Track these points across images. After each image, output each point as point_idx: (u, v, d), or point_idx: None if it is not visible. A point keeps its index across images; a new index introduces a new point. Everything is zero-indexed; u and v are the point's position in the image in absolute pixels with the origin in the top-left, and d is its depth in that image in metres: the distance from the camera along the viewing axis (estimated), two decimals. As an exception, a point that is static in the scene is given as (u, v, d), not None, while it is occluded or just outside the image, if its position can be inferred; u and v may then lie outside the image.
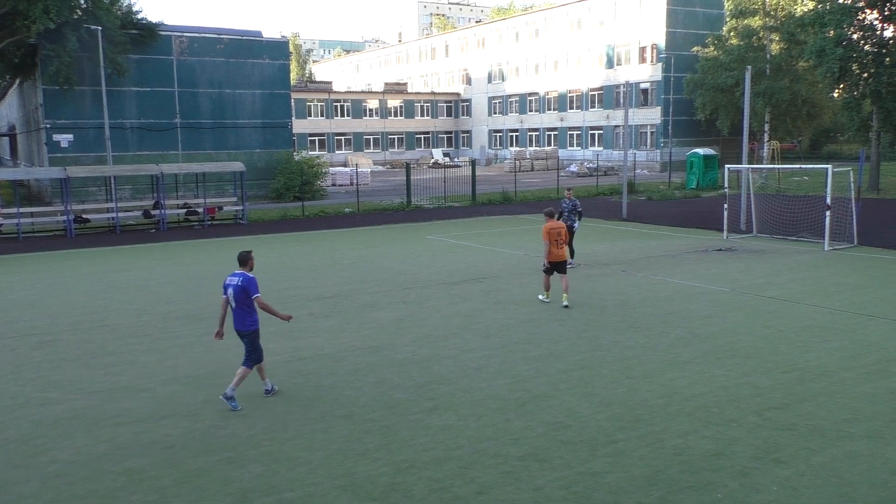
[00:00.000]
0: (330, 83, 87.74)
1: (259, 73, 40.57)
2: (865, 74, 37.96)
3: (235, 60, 39.84)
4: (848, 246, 20.30)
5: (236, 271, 9.22)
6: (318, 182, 41.71)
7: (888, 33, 38.59)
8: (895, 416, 8.24)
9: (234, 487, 6.96)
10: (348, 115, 79.55)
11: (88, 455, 7.78)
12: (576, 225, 18.10)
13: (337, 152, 76.77)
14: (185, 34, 39.24)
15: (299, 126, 66.90)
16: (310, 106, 77.02)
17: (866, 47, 37.96)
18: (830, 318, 12.64)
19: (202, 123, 39.21)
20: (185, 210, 31.19)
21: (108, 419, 8.78)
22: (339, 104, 79.34)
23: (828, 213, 20.08)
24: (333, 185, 48.18)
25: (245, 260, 9.24)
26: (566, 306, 13.76)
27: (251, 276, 9.16)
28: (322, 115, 77.91)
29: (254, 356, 9.31)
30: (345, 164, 67.71)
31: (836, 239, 20.38)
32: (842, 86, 40.07)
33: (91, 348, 11.94)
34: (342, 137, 78.92)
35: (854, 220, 20.88)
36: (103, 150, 33.76)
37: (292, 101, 45.64)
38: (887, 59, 37.04)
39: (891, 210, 29.21)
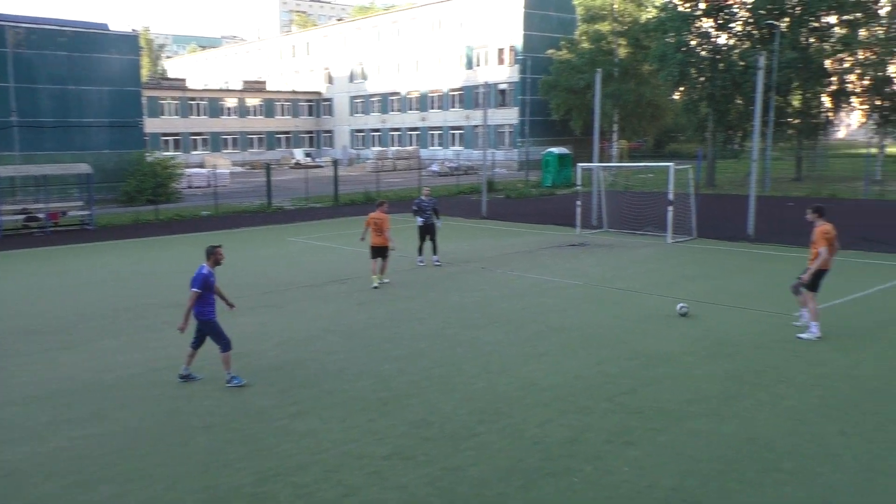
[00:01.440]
0: (184, 80, 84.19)
1: (106, 68, 38.29)
2: (702, 78, 40.90)
3: (80, 55, 37.39)
4: (688, 238, 21.80)
5: (201, 267, 9.67)
6: (173, 184, 39.91)
7: (721, 40, 41.75)
8: (730, 394, 8.95)
9: (83, 510, 6.58)
10: (205, 114, 76.58)
11: (-87, 487, 7.11)
12: (439, 223, 18.51)
13: (193, 153, 73.72)
14: (22, 24, 36.42)
15: (152, 125, 63.65)
16: (163, 104, 73.51)
17: (703, 53, 40.92)
18: (672, 307, 13.50)
19: (43, 122, 36.53)
20: (24, 216, 28.96)
21: (-63, 446, 8.05)
22: (194, 102, 76.21)
23: (670, 208, 21.46)
24: (189, 187, 46.28)
25: (210, 254, 9.83)
26: (376, 287, 15.64)
27: (205, 270, 9.65)
28: (176, 114, 74.58)
29: (222, 341, 9.68)
30: (202, 165, 65.12)
31: (678, 232, 21.82)
32: (681, 89, 43.00)
33: (-85, 370, 10.89)
34: (198, 137, 75.91)
35: (693, 215, 22.45)
36: (-75, 151, 30.86)
37: (144, 98, 43.43)
38: (721, 65, 40.08)
39: (725, 204, 31.59)
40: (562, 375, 9.81)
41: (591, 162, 27.29)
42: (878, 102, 38.62)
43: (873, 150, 37.52)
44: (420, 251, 18.66)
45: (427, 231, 18.45)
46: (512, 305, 13.94)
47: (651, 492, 6.60)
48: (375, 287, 15.72)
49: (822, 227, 11.37)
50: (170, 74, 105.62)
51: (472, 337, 11.81)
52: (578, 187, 24.82)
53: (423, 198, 18.70)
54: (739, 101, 40.91)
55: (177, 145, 73.10)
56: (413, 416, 8.56)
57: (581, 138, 60.31)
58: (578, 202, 24.04)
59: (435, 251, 18.60)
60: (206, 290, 9.64)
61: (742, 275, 16.54)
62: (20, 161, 35.16)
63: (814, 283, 11.34)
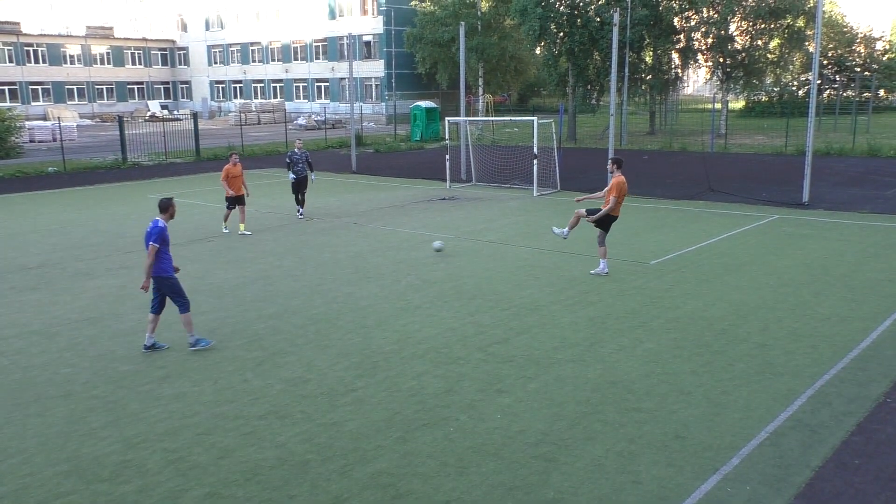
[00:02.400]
0: (18, 24, 76.96)
1: (-77, 9, 34.35)
2: (561, 34, 41.92)
3: None
4: (553, 191, 22.53)
5: (156, 217, 9.06)
6: (13, 138, 36.72)
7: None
8: (593, 340, 9.42)
9: (-73, 492, 6.08)
10: (44, 62, 70.60)
11: None
12: (313, 177, 18.63)
13: (34, 104, 68.05)
14: None
15: (-18, 73, 58.11)
16: (-6, 50, 67.15)
17: (561, 8, 41.85)
18: (540, 257, 14.00)
19: None
20: None
21: None
22: (31, 49, 70.01)
23: (535, 161, 22.05)
24: (32, 141, 42.84)
25: (165, 207, 9.20)
26: (247, 234, 16.54)
27: (161, 224, 9.00)
28: (10, 62, 68.34)
29: (183, 301, 9.13)
30: (45, 118, 60.31)
31: (543, 185, 22.49)
32: (542, 44, 43.91)
33: None
34: (38, 87, 70.05)
35: (557, 168, 23.19)
36: None
37: (-30, 43, 39.40)
38: (578, 21, 41.19)
39: (586, 157, 32.82)
40: (436, 327, 9.97)
41: (459, 116, 27.50)
42: (720, 60, 41.08)
43: (717, 106, 40.03)
44: (298, 203, 18.57)
45: (301, 184, 18.37)
46: (385, 260, 13.95)
47: (523, 436, 6.87)
48: (225, 231, 16.79)
49: (619, 178, 12.36)
50: (0, 17, 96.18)
51: (346, 292, 11.74)
52: (447, 141, 24.99)
53: (295, 150, 18.52)
54: (597, 57, 42.36)
55: (13, 95, 67.28)
56: (289, 374, 8.45)
57: (448, 92, 60.63)
58: (447, 156, 24.23)
59: (302, 204, 18.58)
60: (164, 244, 8.95)
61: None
62: None
63: (604, 226, 12.61)
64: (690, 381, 8.09)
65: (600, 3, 41.18)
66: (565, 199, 21.35)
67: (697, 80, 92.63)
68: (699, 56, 44.12)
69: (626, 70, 39.48)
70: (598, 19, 40.16)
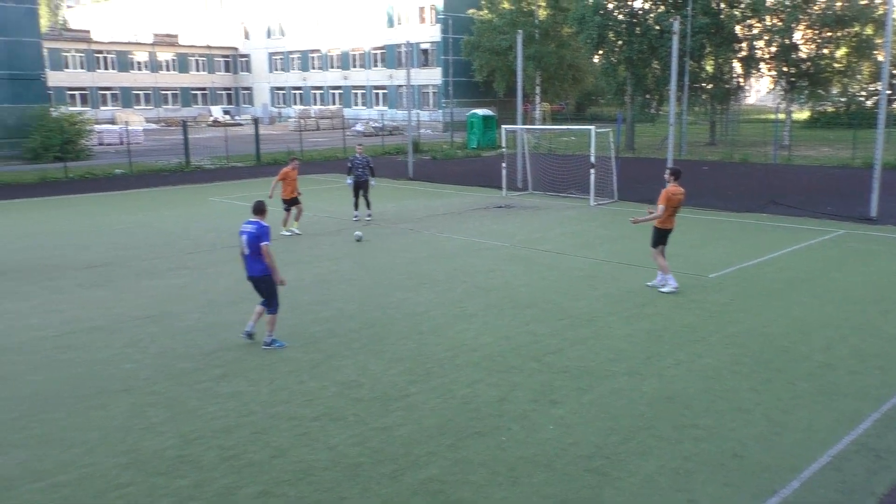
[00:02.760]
0: (89, 32, 79.80)
1: (1, 17, 35.87)
2: (620, 42, 41.48)
3: (-29, 2, 34.90)
4: (610, 201, 22.26)
5: (251, 219, 9.29)
6: (83, 141, 38.05)
7: (638, 4, 42.36)
8: (650, 353, 9.24)
9: (-4, 479, 6.31)
10: (113, 68, 73.03)
11: None
12: (372, 182, 18.93)
13: (103, 108, 70.39)
14: None
15: (55, 79, 60.38)
16: (66, 57, 69.69)
17: (620, 17, 41.43)
18: (597, 267, 13.83)
19: (-67, 73, 34.10)
20: (-82, 172, 27.15)
21: None
22: (101, 56, 72.48)
23: (592, 171, 21.83)
24: (101, 144, 44.27)
25: (259, 209, 9.45)
26: (297, 233, 17.11)
27: (266, 224, 9.33)
28: (82, 68, 70.86)
29: (272, 302, 9.38)
30: (113, 122, 62.37)
31: (600, 195, 22.24)
32: (600, 52, 43.52)
33: None
34: (108, 92, 72.44)
35: (614, 177, 22.91)
36: None
37: (45, 50, 41.00)
38: (637, 29, 40.71)
39: (644, 167, 32.35)
40: (490, 336, 9.92)
41: (515, 124, 27.43)
42: (784, 69, 40.08)
43: (781, 116, 39.02)
44: (355, 207, 18.96)
45: (360, 188, 18.73)
46: (441, 266, 13.97)
47: (575, 449, 6.77)
48: (286, 234, 17.10)
49: (671, 189, 12.00)
50: (72, 25, 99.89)
51: (401, 298, 11.79)
52: (503, 149, 24.94)
53: (356, 155, 18.79)
54: (656, 66, 41.75)
55: (84, 100, 69.64)
56: (343, 377, 8.51)
57: (504, 100, 60.52)
58: (504, 164, 24.18)
59: (368, 206, 19.00)
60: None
61: (660, 237, 17.00)
62: None
63: (659, 239, 12.17)
64: (750, 398, 7.86)
65: (660, 11, 40.64)
66: (623, 209, 21.07)
67: (760, 90, 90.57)
68: (762, 65, 43.09)
69: (686, 79, 38.82)
70: (658, 27, 39.61)
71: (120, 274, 13.62)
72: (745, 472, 6.32)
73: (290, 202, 17.20)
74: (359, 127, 59.01)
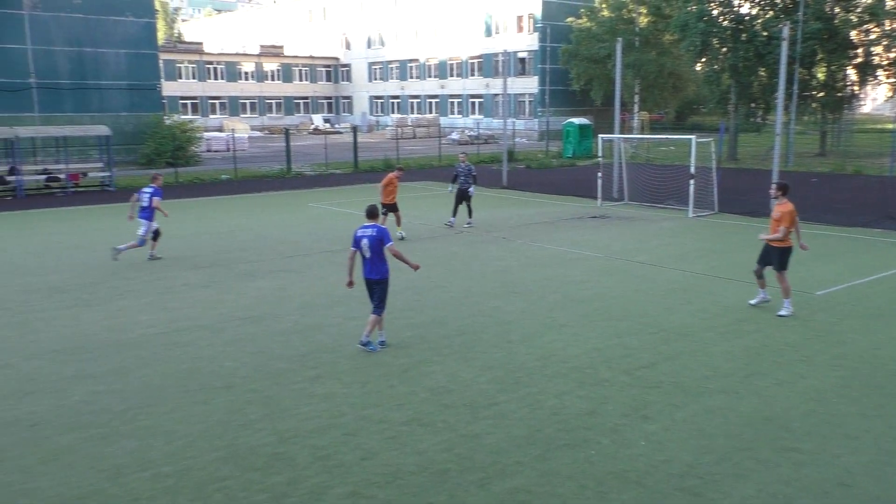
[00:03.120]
0: (201, 44, 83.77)
1: (122, 31, 38.11)
2: (724, 49, 40.22)
3: (96, 17, 37.19)
4: (710, 213, 21.59)
5: (367, 224, 9.62)
6: (192, 147, 39.94)
7: (744, 9, 40.96)
8: (749, 372, 8.91)
9: (105, 464, 6.69)
10: (222, 78, 76.41)
11: (-58, 439, 7.25)
12: (471, 190, 19.26)
13: (211, 116, 73.73)
14: (37, -15, 36.28)
15: (169, 88, 63.65)
16: (180, 67, 73.41)
17: (725, 23, 40.18)
18: (693, 281, 13.45)
19: (61, 84, 36.52)
20: (46, 177, 29.15)
21: (-36, 400, 8.20)
22: (211, 66, 76.01)
23: (692, 181, 21.24)
24: (209, 150, 46.36)
25: (374, 213, 9.82)
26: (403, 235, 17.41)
27: (383, 226, 9.78)
28: (194, 78, 74.46)
29: (383, 304, 9.70)
30: (220, 129, 65.16)
31: (700, 206, 21.62)
32: (703, 59, 42.32)
33: (-59, 325, 11.06)
34: (216, 101, 75.83)
35: (715, 188, 22.22)
36: (-53, 110, 30.95)
37: (161, 61, 43.31)
38: (743, 35, 39.36)
39: (747, 178, 31.25)
40: (581, 347, 9.80)
41: (612, 133, 27.02)
42: (904, 77, 37.92)
43: (900, 127, 36.94)
44: (453, 213, 19.46)
45: (462, 196, 19.23)
46: (533, 275, 13.91)
47: (667, 467, 6.60)
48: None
49: (789, 207, 11.25)
50: (186, 38, 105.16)
51: (492, 306, 11.81)
52: (599, 158, 24.61)
53: (460, 164, 19.38)
54: (762, 73, 40.24)
55: (195, 109, 73.09)
56: (433, 383, 8.60)
57: (602, 109, 59.70)
58: (599, 174, 23.86)
59: (469, 214, 19.52)
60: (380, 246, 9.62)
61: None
62: (40, 122, 35.24)
63: (784, 262, 11.38)
64: (858, 424, 7.46)
65: (768, 16, 39.17)
66: (723, 221, 20.41)
67: (877, 98, 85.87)
68: (879, 72, 40.86)
69: (795, 87, 37.22)
70: (766, 34, 38.18)
71: (224, 275, 14.21)
72: (853, 502, 6.00)
73: (390, 207, 17.66)
74: (454, 135, 59.48)
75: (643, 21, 53.67)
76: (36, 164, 31.26)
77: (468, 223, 19.39)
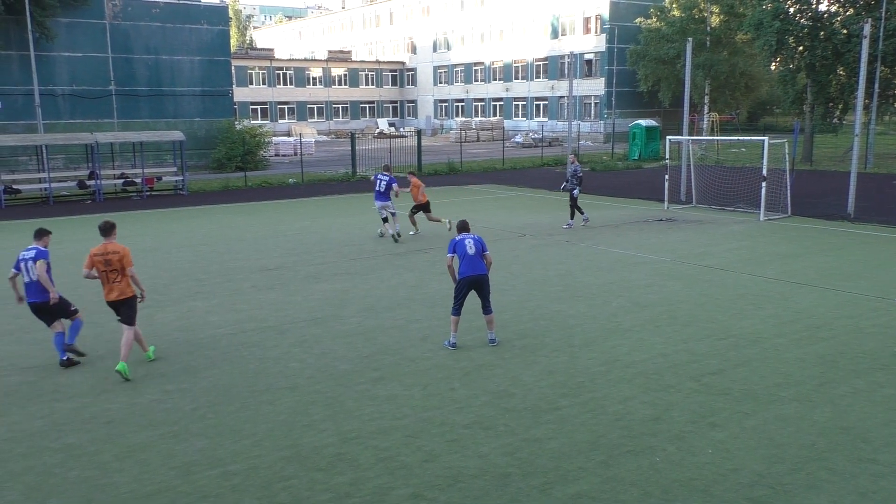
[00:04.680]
0: (272, 50, 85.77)
1: (197, 38, 39.36)
2: (801, 48, 38.90)
3: (172, 26, 38.53)
4: (782, 216, 20.93)
5: (465, 234, 10.03)
6: (261, 152, 40.93)
7: (823, 7, 39.57)
8: (823, 380, 8.59)
9: (177, 461, 6.89)
10: (291, 84, 78.02)
11: (24, 432, 7.59)
12: (575, 192, 19.57)
13: (280, 121, 75.38)
14: (118, -3, 37.79)
15: (241, 94, 65.39)
16: (251, 73, 75.28)
17: (802, 21, 38.87)
18: (764, 286, 13.05)
19: (138, 91, 37.91)
20: (123, 181, 30.31)
21: (45, 395, 8.57)
22: (281, 72, 77.72)
23: (763, 184, 20.64)
24: (277, 155, 47.38)
25: (467, 226, 10.28)
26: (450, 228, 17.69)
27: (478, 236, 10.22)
28: (264, 84, 76.24)
29: (490, 300, 10.03)
30: (288, 134, 66.59)
31: (771, 209, 20.98)
32: (778, 59, 41.03)
33: (23, 323, 11.58)
34: (285, 106, 77.46)
35: (788, 191, 21.53)
36: (33, 117, 32.42)
37: (233, 68, 44.51)
38: (821, 33, 38.01)
39: (823, 181, 30.19)
40: (646, 352, 9.63)
41: (680, 135, 26.48)
42: None
43: None
44: (571, 216, 19.96)
45: (571, 197, 19.72)
46: (596, 279, 13.74)
47: (735, 476, 6.42)
48: (412, 234, 18.81)
49: None
50: (257, 44, 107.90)
51: (554, 310, 11.71)
52: (666, 161, 24.14)
53: (570, 165, 20.02)
54: (841, 72, 38.76)
55: (264, 114, 74.81)
56: (495, 386, 8.57)
57: (670, 110, 58.65)
58: (666, 176, 23.41)
59: (574, 213, 19.86)
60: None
61: (839, 255, 15.80)
62: (118, 128, 36.67)
63: None
64: (941, 436, 7.11)
65: (848, 13, 37.74)
66: (796, 224, 19.76)
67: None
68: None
69: (876, 86, 35.75)
70: (845, 31, 36.78)
71: (290, 277, 14.48)
72: (932, 518, 5.73)
73: (423, 207, 18.78)
74: (518, 138, 59.28)
75: (715, 20, 52.42)
76: (114, 168, 32.51)
77: (584, 220, 19.75)
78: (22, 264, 9.47)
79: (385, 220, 18.31)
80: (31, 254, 9.50)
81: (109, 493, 6.38)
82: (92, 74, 36.62)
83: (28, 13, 31.01)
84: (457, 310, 9.90)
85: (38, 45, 32.72)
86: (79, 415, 7.99)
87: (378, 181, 18.19)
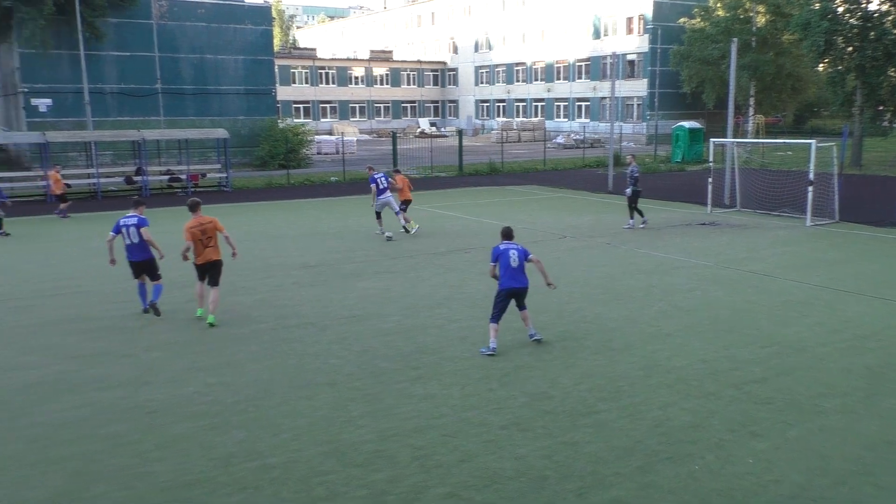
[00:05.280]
0: (314, 50, 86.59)
1: (241, 38, 39.96)
2: (850, 48, 38.03)
3: (217, 25, 39.19)
4: (829, 222, 20.49)
5: (509, 243, 10.07)
6: (303, 150, 41.37)
7: (873, 6, 38.61)
8: (870, 391, 8.39)
9: (217, 452, 7.01)
10: (333, 83, 78.69)
11: (69, 419, 7.80)
12: (627, 191, 19.77)
13: (322, 120, 76.06)
14: (165, -2, 38.54)
15: (283, 93, 66.10)
16: (294, 73, 76.10)
17: (851, 21, 37.99)
18: (810, 293, 12.79)
19: (184, 89, 38.65)
20: (168, 177, 30.90)
21: (90, 384, 8.79)
22: (323, 71, 78.45)
23: (810, 188, 20.22)
24: (319, 153, 47.82)
25: (511, 234, 10.32)
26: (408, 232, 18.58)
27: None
28: (306, 83, 77.03)
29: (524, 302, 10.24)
30: (330, 133, 67.14)
31: (818, 214, 20.55)
32: (826, 60, 40.16)
33: (71, 314, 11.90)
34: (327, 105, 78.16)
35: (836, 196, 21.05)
36: (83, 115, 33.23)
37: (276, 67, 45.07)
38: (872, 34, 37.10)
39: (872, 186, 29.48)
40: (687, 358, 9.51)
41: (725, 137, 26.09)
42: None
43: None
44: (639, 214, 20.06)
45: (631, 197, 19.79)
46: (637, 283, 13.61)
47: (776, 487, 6.31)
48: (408, 232, 19.02)
49: None
50: (300, 44, 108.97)
51: (595, 313, 11.63)
52: (710, 164, 23.80)
53: (630, 166, 20.14)
54: (892, 74, 37.81)
55: (306, 113, 75.58)
56: (533, 388, 8.55)
57: (714, 112, 57.79)
58: (710, 179, 23.08)
59: (634, 214, 19.92)
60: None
61: (888, 263, 15.41)
62: (164, 125, 37.44)
63: None
64: None
65: (901, 13, 36.80)
66: (844, 230, 19.32)
67: None
68: None
69: (929, 89, 34.83)
70: (897, 31, 35.90)
71: (331, 274, 14.62)
72: (983, 536, 5.56)
73: (408, 203, 19.50)
74: (559, 139, 58.96)
75: (761, 20, 51.52)
76: (159, 164, 33.17)
77: (642, 223, 19.84)
78: (123, 229, 11.41)
79: (379, 215, 18.90)
80: (133, 221, 11.43)
81: (149, 481, 6.52)
82: (139, 73, 37.44)
83: (78, 14, 31.78)
84: (496, 318, 9.89)
85: (87, 45, 33.52)
86: (122, 404, 8.19)
87: (380, 180, 18.88)
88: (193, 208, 11.42)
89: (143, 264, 11.56)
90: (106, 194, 28.75)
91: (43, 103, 35.44)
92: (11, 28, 35.20)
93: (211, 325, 10.99)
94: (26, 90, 35.33)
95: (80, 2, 32.03)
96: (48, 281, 14.26)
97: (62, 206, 23.23)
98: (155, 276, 11.67)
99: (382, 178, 18.93)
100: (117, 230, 11.44)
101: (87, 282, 14.17)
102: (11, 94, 38.49)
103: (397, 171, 20.10)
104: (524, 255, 10.01)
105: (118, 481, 6.52)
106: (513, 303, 9.99)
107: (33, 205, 26.49)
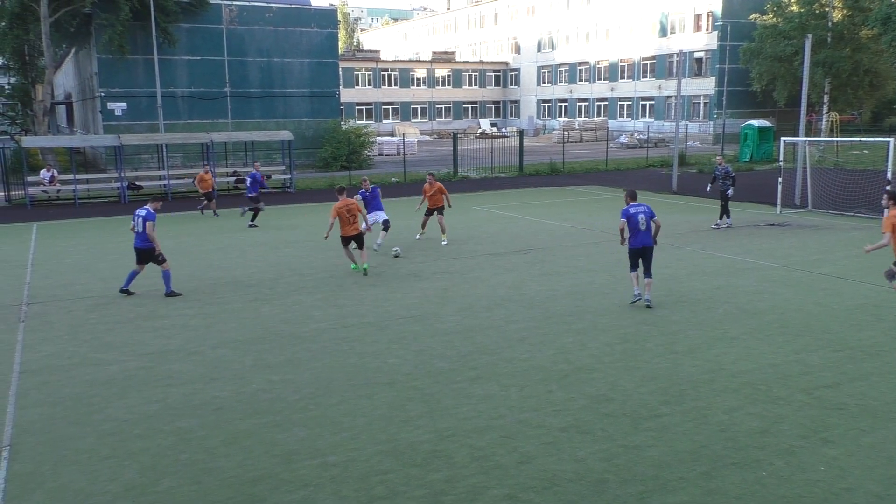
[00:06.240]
0: (378, 52, 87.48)
1: (307, 41, 40.65)
2: (933, 43, 36.42)
3: (284, 29, 39.95)
4: (908, 222, 19.59)
5: (636, 203, 11.79)
6: (366, 151, 41.81)
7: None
8: (951, 398, 8.00)
9: (279, 449, 7.12)
10: (396, 85, 79.32)
11: (141, 414, 8.03)
12: (730, 192, 19.65)
13: (384, 122, 76.77)
14: (235, 3, 39.43)
15: (347, 95, 66.99)
16: (357, 75, 77.00)
17: (935, 14, 36.39)
18: (886, 297, 12.26)
19: (251, 92, 39.53)
20: (234, 178, 31.60)
21: (160, 380, 9.04)
22: (386, 73, 79.16)
23: (888, 188, 19.38)
24: (380, 154, 48.27)
25: (635, 194, 11.99)
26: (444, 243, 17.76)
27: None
28: (370, 85, 77.83)
29: (651, 269, 11.81)
30: (392, 134, 67.72)
31: None
32: (907, 55, 38.56)
33: (143, 312, 12.27)
34: (389, 107, 78.83)
35: (915, 196, 20.12)
36: (155, 118, 34.31)
37: (340, 70, 45.69)
38: (957, 28, 35.45)
39: (955, 185, 28.09)
40: (754, 362, 9.23)
41: (796, 136, 25.26)
42: None
43: None
44: (720, 216, 19.83)
45: (721, 197, 19.66)
46: (702, 285, 13.29)
47: (850, 496, 6.06)
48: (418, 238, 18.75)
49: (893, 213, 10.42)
50: (364, 46, 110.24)
51: (657, 315, 11.40)
52: (780, 163, 23.08)
53: (718, 166, 20.02)
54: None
55: (369, 114, 76.37)
56: (593, 390, 8.43)
57: (785, 110, 56.06)
58: (780, 179, 22.38)
59: (727, 215, 19.68)
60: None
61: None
62: (231, 128, 38.35)
63: None
64: None
65: None
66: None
67: None
68: None
69: None
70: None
71: (390, 275, 14.72)
72: None
73: (440, 210, 18.58)
74: (622, 139, 58.11)
75: (837, 15, 49.75)
76: (227, 166, 33.97)
77: (719, 223, 19.60)
78: (134, 218, 13.16)
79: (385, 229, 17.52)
80: (143, 212, 13.04)
81: (216, 476, 6.66)
82: (209, 77, 38.46)
83: (153, 20, 32.84)
84: (633, 268, 11.69)
85: (161, 50, 34.58)
86: (190, 400, 8.39)
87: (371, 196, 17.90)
88: (341, 192, 14.75)
89: (145, 252, 13.16)
90: (176, 195, 29.56)
91: (118, 107, 36.78)
92: (91, 34, 36.66)
93: (364, 272, 14.31)
94: (103, 94, 36.70)
95: (155, 7, 33.10)
96: (122, 280, 14.70)
97: (206, 203, 24.20)
98: (158, 261, 13.19)
99: (368, 195, 17.72)
100: (134, 219, 13.23)
101: (159, 281, 14.55)
102: (89, 98, 40.01)
103: (431, 175, 19.50)
104: (650, 216, 11.51)
105: (187, 476, 6.68)
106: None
107: (109, 206, 27.45)
